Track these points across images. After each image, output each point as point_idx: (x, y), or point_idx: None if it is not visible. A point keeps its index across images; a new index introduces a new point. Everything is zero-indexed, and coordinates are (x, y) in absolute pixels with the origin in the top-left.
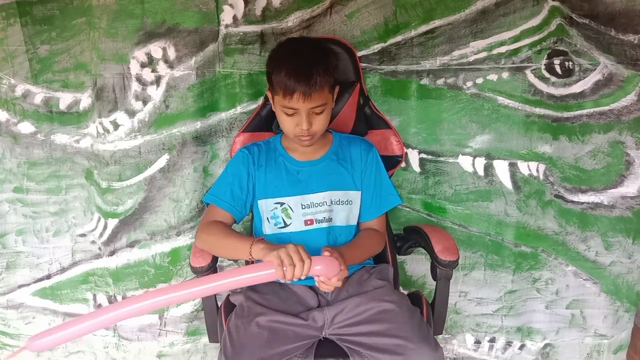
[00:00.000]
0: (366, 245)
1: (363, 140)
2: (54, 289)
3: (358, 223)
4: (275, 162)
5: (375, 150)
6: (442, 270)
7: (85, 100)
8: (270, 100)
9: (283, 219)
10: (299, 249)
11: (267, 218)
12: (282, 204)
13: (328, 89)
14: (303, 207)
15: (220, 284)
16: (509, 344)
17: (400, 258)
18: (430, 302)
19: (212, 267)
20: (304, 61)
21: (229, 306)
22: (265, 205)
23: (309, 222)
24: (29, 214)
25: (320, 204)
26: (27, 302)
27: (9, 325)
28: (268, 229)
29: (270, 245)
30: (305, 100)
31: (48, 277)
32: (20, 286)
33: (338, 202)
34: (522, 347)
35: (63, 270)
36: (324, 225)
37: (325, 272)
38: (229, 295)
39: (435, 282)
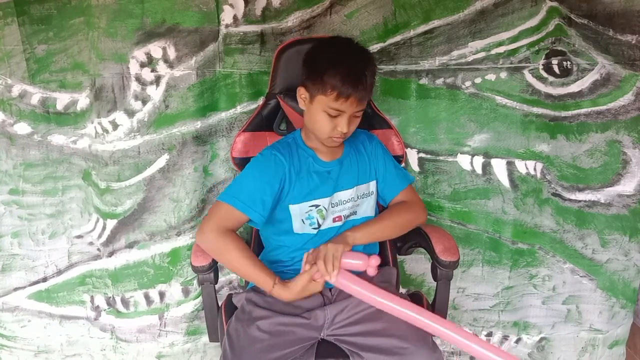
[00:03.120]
0: (387, 219)
1: (363, 131)
2: (50, 292)
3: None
4: (306, 164)
5: (376, 138)
6: (442, 271)
7: (83, 100)
8: (304, 96)
9: (317, 220)
10: (306, 275)
11: (302, 220)
12: (317, 205)
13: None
14: (332, 205)
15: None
16: (505, 337)
17: (399, 257)
18: (430, 303)
19: (213, 267)
20: (359, 66)
21: (230, 306)
22: (300, 209)
23: (337, 219)
24: (25, 216)
25: (348, 201)
26: (22, 305)
27: (5, 328)
28: (299, 228)
29: (292, 286)
30: (358, 105)
31: (44, 279)
32: (15, 289)
33: (363, 195)
34: (518, 340)
35: (59, 272)
36: (349, 218)
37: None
38: (229, 294)
39: (434, 281)
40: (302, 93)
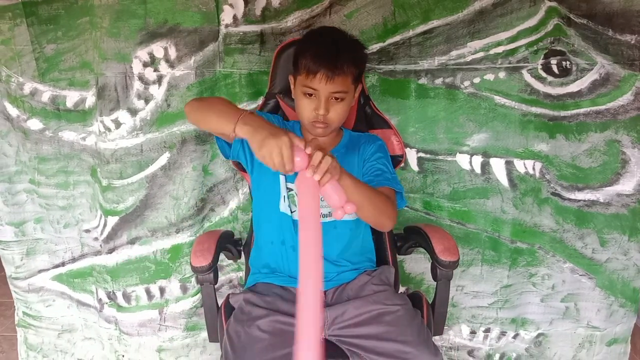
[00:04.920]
0: (370, 190)
1: (372, 135)
2: (68, 276)
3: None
4: None
5: (382, 143)
6: (442, 271)
7: (91, 98)
8: (292, 86)
9: (290, 205)
10: (284, 149)
11: (284, 196)
12: (290, 189)
13: (352, 79)
14: None
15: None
16: (503, 333)
17: (399, 257)
18: (430, 303)
19: (213, 267)
20: (334, 46)
21: (229, 306)
22: (282, 184)
23: None
24: (43, 204)
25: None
26: (46, 286)
27: (31, 308)
28: (282, 207)
29: (257, 126)
30: (328, 82)
31: (62, 264)
32: (40, 271)
33: None
34: (515, 336)
35: (74, 260)
36: (328, 220)
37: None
38: (229, 295)
39: (434, 281)
40: (291, 81)
